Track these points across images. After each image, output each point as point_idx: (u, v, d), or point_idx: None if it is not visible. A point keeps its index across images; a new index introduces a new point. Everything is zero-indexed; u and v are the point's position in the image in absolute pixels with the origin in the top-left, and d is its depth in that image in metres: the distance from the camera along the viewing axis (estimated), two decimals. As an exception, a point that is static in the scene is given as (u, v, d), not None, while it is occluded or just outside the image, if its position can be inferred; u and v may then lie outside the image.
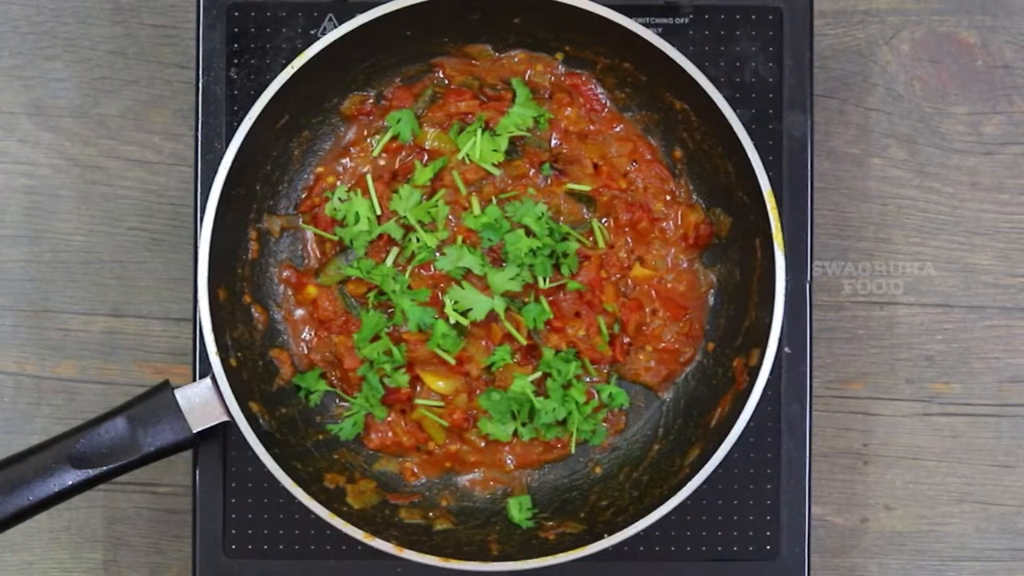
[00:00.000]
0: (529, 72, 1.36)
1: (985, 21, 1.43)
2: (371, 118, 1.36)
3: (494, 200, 1.34)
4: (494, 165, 1.35)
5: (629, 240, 1.36)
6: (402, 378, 1.33)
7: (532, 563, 1.24)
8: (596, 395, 1.35)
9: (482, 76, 1.36)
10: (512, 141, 1.35)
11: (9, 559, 1.42)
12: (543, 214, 1.33)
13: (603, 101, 1.36)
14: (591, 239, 1.35)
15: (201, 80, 1.32)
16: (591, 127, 1.36)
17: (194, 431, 1.25)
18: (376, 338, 1.34)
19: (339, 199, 1.35)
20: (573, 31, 1.31)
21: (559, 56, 1.35)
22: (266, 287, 1.36)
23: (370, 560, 1.31)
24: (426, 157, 1.35)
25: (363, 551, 1.27)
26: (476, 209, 1.34)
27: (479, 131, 1.34)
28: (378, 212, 1.34)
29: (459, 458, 1.35)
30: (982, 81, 1.43)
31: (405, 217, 1.34)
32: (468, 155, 1.34)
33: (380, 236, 1.35)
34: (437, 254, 1.34)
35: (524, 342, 1.33)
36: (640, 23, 1.27)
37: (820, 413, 1.42)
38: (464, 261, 1.32)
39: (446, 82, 1.36)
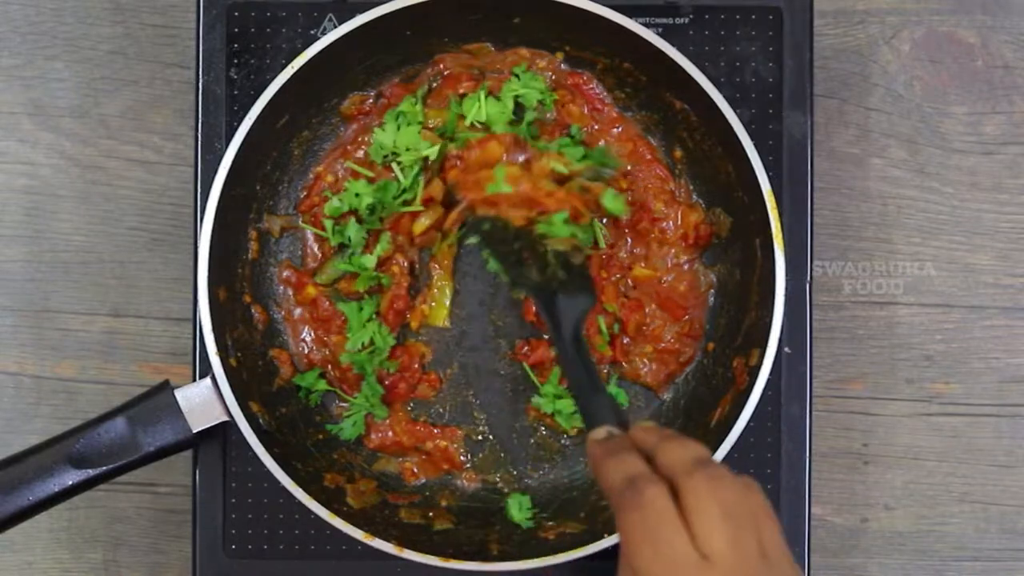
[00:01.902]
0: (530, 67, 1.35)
1: (985, 21, 1.43)
2: (371, 118, 1.36)
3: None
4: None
5: (629, 240, 1.36)
6: (389, 340, 1.33)
7: (532, 563, 1.24)
8: (596, 395, 1.35)
9: (483, 67, 1.35)
10: (517, 106, 1.33)
11: (9, 559, 1.42)
12: (543, 214, 1.33)
13: (604, 101, 1.36)
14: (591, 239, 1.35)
15: (201, 80, 1.32)
16: (591, 127, 1.36)
17: (194, 431, 1.25)
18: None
19: (339, 199, 1.35)
20: (573, 31, 1.31)
21: (559, 56, 1.35)
22: (266, 287, 1.36)
23: (370, 560, 1.31)
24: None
25: (363, 551, 1.27)
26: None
27: (483, 95, 1.33)
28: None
29: (458, 459, 1.35)
30: (982, 81, 1.43)
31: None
32: (475, 120, 1.33)
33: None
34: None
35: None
36: (640, 23, 1.27)
37: (820, 413, 1.42)
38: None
39: (446, 73, 1.35)
